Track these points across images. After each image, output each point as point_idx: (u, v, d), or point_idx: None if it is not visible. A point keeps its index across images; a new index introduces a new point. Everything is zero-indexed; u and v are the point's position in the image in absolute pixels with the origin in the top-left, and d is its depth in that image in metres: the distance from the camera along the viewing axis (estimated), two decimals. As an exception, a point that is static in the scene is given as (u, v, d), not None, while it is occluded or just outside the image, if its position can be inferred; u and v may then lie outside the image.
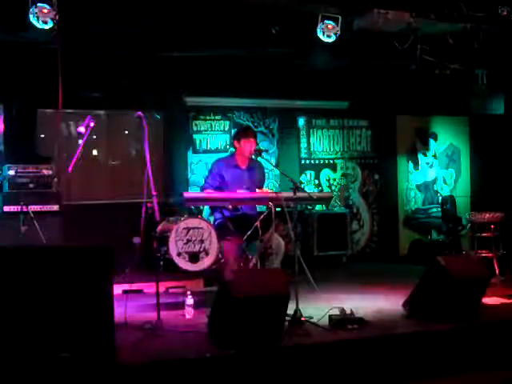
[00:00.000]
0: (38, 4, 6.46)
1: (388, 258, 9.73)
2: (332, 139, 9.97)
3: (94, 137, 8.34)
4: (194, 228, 6.06)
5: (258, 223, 6.11)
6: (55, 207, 7.07)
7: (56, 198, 7.12)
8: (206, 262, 6.03)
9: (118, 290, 5.94)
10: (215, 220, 6.64)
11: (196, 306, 5.71)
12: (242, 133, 6.51)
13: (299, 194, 5.72)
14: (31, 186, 7.08)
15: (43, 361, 4.01)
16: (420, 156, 10.40)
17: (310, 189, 9.59)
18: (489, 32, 7.79)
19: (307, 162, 9.80)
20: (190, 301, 5.65)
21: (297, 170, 9.65)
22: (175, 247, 5.98)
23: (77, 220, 7.55)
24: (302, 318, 5.26)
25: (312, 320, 5.30)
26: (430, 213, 10.37)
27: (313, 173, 9.83)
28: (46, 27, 6.52)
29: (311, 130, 9.87)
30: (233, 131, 8.92)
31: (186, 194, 6.33)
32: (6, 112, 8.04)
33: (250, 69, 8.68)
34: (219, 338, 4.60)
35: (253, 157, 6.47)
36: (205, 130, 9.19)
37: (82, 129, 5.86)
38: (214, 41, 7.72)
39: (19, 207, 6.86)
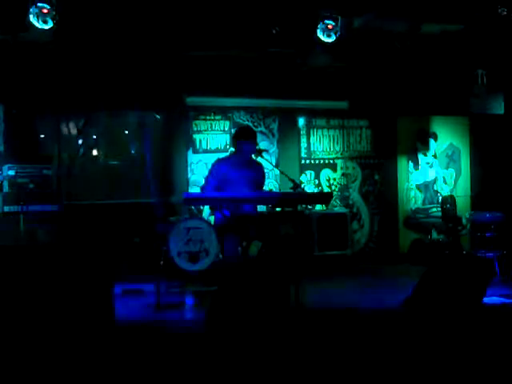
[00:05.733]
0: (38, 4, 6.46)
1: (388, 257, 9.72)
2: (332, 139, 9.97)
3: (94, 137, 8.34)
4: (194, 228, 6.07)
5: (258, 223, 6.12)
6: (55, 207, 7.07)
7: (56, 198, 7.12)
8: (205, 262, 6.03)
9: (118, 289, 5.94)
10: (215, 220, 6.64)
11: (196, 306, 5.71)
12: (242, 133, 6.51)
13: (299, 194, 5.72)
14: (31, 186, 7.08)
15: (42, 360, 4.00)
16: (420, 156, 10.39)
17: (310, 189, 9.59)
18: (489, 32, 7.79)
19: (307, 161, 9.79)
20: (190, 301, 5.66)
21: (297, 169, 9.64)
22: (175, 247, 5.99)
23: (77, 220, 7.55)
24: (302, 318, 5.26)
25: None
26: (430, 212, 10.37)
27: (313, 173, 9.82)
28: (46, 27, 6.52)
29: (311, 130, 9.87)
30: (233, 131, 8.91)
31: (186, 194, 6.33)
32: (6, 112, 8.04)
33: (250, 69, 8.68)
34: (218, 338, 4.60)
35: (253, 157, 6.46)
36: (205, 130, 9.19)
37: (81, 128, 5.87)
38: (214, 41, 7.72)
39: (19, 207, 6.85)
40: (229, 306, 4.57)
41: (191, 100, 9.00)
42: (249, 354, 4.47)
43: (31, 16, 6.47)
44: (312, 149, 9.83)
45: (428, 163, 10.45)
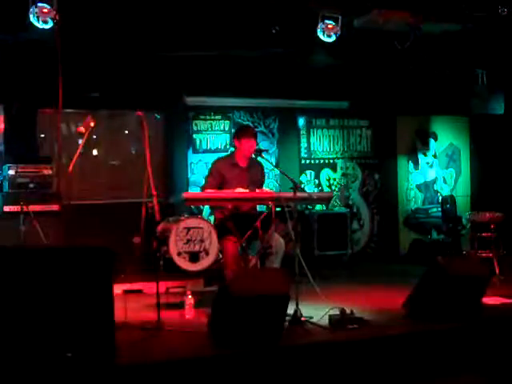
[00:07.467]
0: (38, 4, 6.46)
1: (388, 257, 9.72)
2: (332, 139, 9.97)
3: (94, 137, 8.34)
4: (194, 228, 6.05)
5: (258, 223, 6.12)
6: (55, 207, 7.06)
7: (56, 198, 7.11)
8: (206, 262, 6.02)
9: (118, 289, 5.93)
10: (215, 220, 6.64)
11: (196, 305, 5.71)
12: (243, 132, 6.51)
13: (299, 194, 5.72)
14: (31, 185, 7.07)
15: (42, 360, 4.00)
16: (420, 156, 10.40)
17: (310, 189, 9.59)
18: (489, 32, 7.80)
19: (307, 161, 9.80)
20: (189, 301, 5.65)
21: (297, 169, 9.65)
22: (175, 247, 5.98)
23: (77, 220, 7.52)
24: (302, 318, 5.26)
25: (312, 320, 5.29)
26: (430, 213, 10.38)
27: (313, 173, 9.82)
28: (46, 27, 6.52)
29: (311, 130, 9.87)
30: (233, 131, 8.92)
31: (185, 194, 6.32)
32: (6, 112, 8.04)
33: (250, 69, 8.68)
34: (219, 338, 4.60)
35: (253, 156, 6.46)
36: (205, 130, 9.19)
37: (81, 128, 5.88)
38: (214, 40, 7.72)
39: (19, 207, 6.85)
40: (230, 306, 4.56)
41: (191, 100, 9.00)
42: (249, 354, 4.47)
43: (31, 16, 6.47)
44: (312, 149, 9.83)
45: (428, 163, 10.46)
